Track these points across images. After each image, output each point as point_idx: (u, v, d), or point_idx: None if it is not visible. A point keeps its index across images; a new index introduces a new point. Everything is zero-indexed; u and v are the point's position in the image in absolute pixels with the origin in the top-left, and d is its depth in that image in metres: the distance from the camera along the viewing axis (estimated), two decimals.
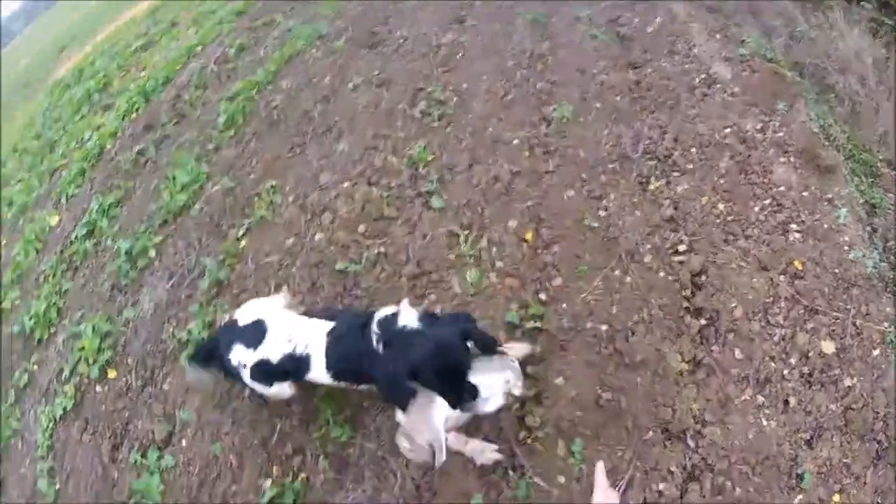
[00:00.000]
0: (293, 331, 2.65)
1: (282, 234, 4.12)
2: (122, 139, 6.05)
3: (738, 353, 2.92)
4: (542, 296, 3.24)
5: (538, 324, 3.11)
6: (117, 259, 4.55)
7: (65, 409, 4.01)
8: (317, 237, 3.94)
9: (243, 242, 4.19)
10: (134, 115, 6.38)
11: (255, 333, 2.68)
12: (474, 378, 2.28)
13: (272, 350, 2.63)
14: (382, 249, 3.69)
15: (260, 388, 2.79)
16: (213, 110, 5.66)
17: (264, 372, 2.67)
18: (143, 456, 3.46)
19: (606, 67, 4.67)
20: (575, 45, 5.04)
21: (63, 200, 5.73)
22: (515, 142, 4.18)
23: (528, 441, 2.77)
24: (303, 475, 3.03)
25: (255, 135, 5.13)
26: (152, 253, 4.45)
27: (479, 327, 2.57)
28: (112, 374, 3.98)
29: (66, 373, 4.17)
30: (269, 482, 3.08)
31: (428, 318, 2.40)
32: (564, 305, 3.18)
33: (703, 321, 3.04)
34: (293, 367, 2.62)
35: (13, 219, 6.34)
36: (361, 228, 3.86)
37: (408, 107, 4.74)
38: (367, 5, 6.48)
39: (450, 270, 3.46)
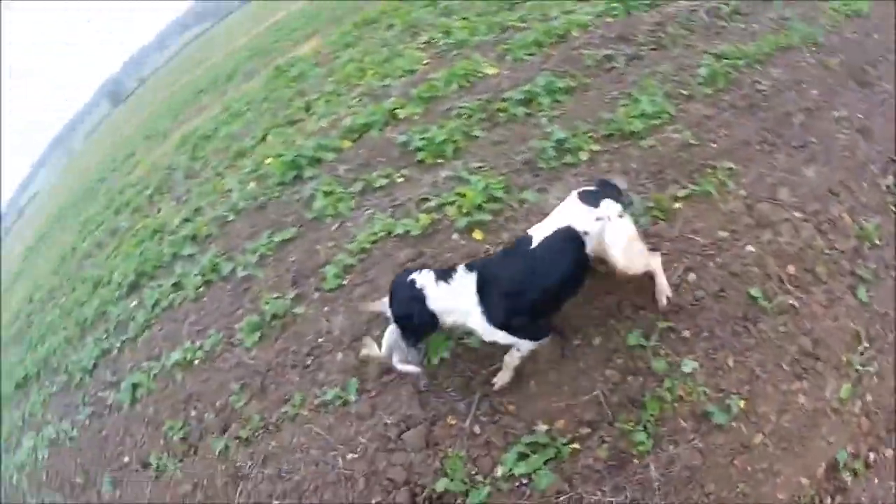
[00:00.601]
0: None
1: (718, 221, 4.22)
2: (591, 36, 6.52)
3: None
4: (872, 458, 3.43)
5: (848, 483, 3.32)
6: (545, 142, 4.94)
7: (407, 231, 4.59)
8: (747, 248, 4.05)
9: (679, 204, 4.33)
10: (609, 20, 6.85)
11: None
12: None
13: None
14: (795, 304, 3.82)
15: None
16: (696, 58, 5.88)
17: None
18: None
19: None
20: None
21: (508, 58, 6.40)
22: None
23: None
24: (576, 446, 3.36)
25: (731, 106, 5.26)
26: (584, 156, 4.78)
27: None
28: (478, 235, 4.41)
29: (431, 205, 4.73)
30: (544, 427, 3.44)
31: None
32: (876, 481, 3.37)
33: None
34: None
35: (446, 48, 7.30)
36: (791, 269, 3.99)
37: (878, 172, 4.80)
38: (864, 39, 6.50)
39: (833, 371, 3.59)
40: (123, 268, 7.44)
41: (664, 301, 3.76)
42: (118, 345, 6.14)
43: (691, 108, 5.29)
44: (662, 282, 3.77)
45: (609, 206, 3.45)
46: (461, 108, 5.73)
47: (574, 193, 3.59)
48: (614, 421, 3.41)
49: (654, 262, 3.73)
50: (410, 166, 5.38)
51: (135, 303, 6.53)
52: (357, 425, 3.83)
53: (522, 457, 3.37)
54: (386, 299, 3.47)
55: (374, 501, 3.54)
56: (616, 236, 3.43)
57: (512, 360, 3.54)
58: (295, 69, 10.25)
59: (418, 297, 3.28)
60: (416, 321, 3.29)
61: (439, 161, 5.28)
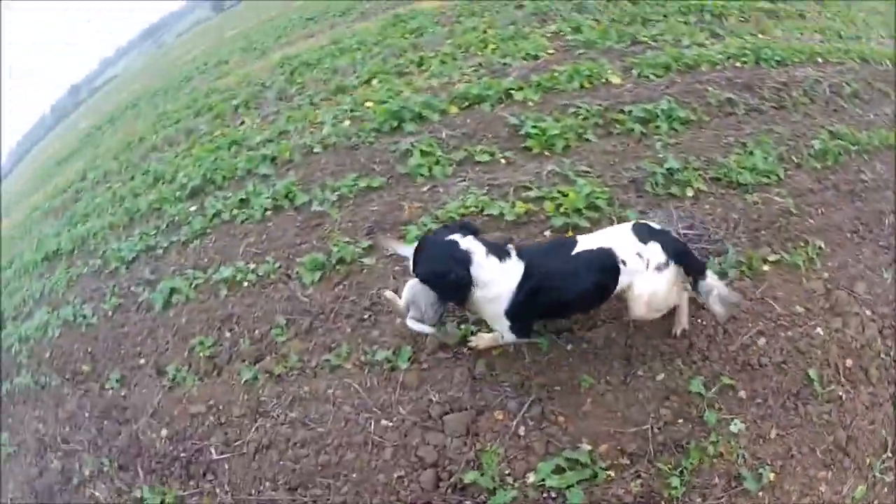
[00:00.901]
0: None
1: (797, 296, 4.18)
2: (719, 76, 6.40)
3: None
4: None
5: None
6: (657, 166, 4.90)
7: (501, 213, 4.62)
8: (817, 330, 4.00)
9: (767, 268, 4.29)
10: (737, 63, 6.77)
11: None
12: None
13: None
14: (843, 396, 3.84)
15: None
16: (813, 130, 5.79)
17: None
18: None
19: None
20: None
21: (634, 72, 6.35)
22: None
23: None
24: (612, 474, 3.39)
25: (833, 186, 5.19)
26: (689, 192, 4.72)
27: None
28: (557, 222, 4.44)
29: (530, 195, 4.75)
30: (587, 447, 3.44)
31: None
32: None
33: None
34: None
35: (574, 44, 7.24)
36: (849, 362, 3.95)
37: None
38: None
39: (856, 470, 3.62)
40: (191, 170, 7.38)
41: (678, 332, 3.86)
42: (165, 244, 6.13)
43: (798, 177, 5.22)
44: (684, 318, 3.85)
45: (655, 252, 3.39)
46: (579, 107, 5.66)
47: (629, 224, 3.57)
48: (655, 459, 3.42)
49: (682, 300, 3.75)
50: (516, 150, 5.33)
51: (194, 207, 6.48)
52: (399, 394, 3.84)
53: (559, 470, 3.36)
54: (409, 249, 3.47)
55: (396, 475, 3.56)
56: (644, 290, 3.42)
57: (497, 339, 3.74)
58: (415, 22, 10.14)
59: (463, 259, 3.22)
60: (455, 282, 3.22)
61: (546, 153, 5.24)
